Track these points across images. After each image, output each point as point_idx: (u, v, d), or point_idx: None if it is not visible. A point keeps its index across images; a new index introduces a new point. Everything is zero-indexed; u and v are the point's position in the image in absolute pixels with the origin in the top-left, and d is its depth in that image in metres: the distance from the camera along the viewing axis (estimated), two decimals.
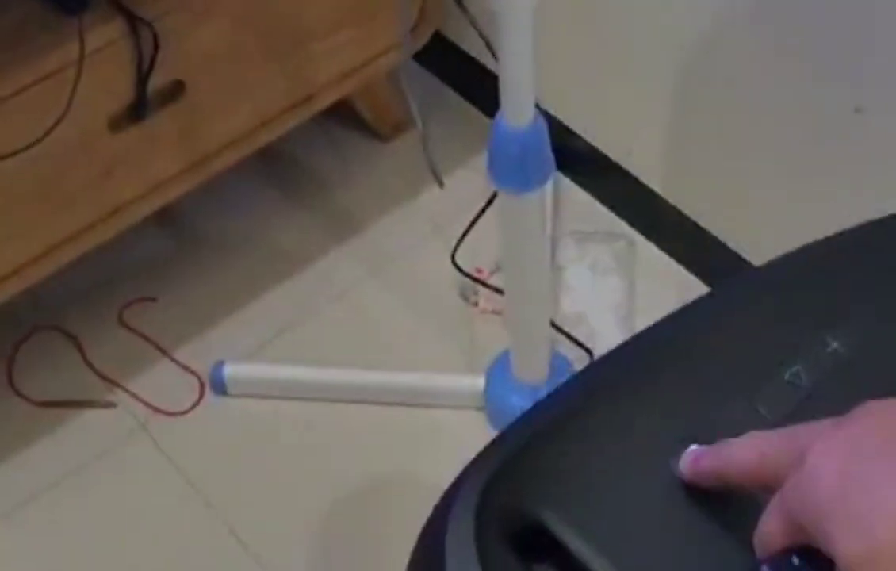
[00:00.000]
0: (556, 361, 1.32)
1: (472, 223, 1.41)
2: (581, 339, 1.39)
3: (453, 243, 1.45)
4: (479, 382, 1.32)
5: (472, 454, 1.34)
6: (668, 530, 0.45)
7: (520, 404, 1.28)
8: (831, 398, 0.49)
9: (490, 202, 1.37)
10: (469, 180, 1.50)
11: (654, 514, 0.45)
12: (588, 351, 1.37)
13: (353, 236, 1.52)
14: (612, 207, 1.55)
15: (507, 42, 0.98)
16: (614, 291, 1.48)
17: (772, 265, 0.57)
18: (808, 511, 0.38)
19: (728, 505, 0.45)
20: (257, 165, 1.53)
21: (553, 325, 1.38)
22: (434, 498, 1.31)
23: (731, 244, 1.41)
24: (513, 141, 1.05)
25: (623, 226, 1.54)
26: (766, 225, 1.37)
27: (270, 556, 1.22)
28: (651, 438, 0.48)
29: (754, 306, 0.54)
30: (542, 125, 1.06)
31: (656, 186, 1.49)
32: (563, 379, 1.27)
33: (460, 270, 1.44)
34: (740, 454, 0.43)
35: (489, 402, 1.32)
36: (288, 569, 1.22)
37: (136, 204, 1.27)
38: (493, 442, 0.53)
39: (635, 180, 1.51)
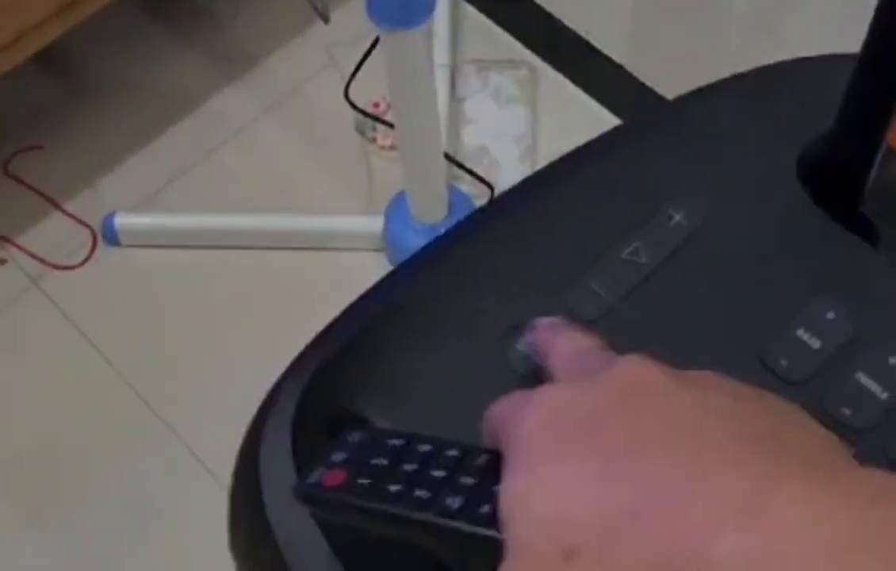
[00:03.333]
0: (456, 197, 1.30)
1: (365, 57, 1.37)
2: (483, 173, 1.37)
3: (348, 75, 1.41)
4: (378, 222, 1.30)
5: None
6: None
7: (418, 244, 1.27)
8: (667, 276, 0.48)
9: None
10: (361, 9, 1.46)
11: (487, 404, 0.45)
12: (489, 185, 1.36)
13: (244, 74, 1.47)
14: (513, 32, 1.51)
15: None
16: (517, 120, 1.45)
17: (626, 128, 0.55)
18: (505, 432, 0.36)
19: None
20: (144, 2, 1.47)
21: (452, 160, 1.36)
22: None
23: (633, 70, 1.39)
24: None
25: (525, 53, 1.50)
26: (666, 53, 1.36)
27: (174, 413, 1.22)
28: (488, 325, 0.47)
29: (602, 176, 0.52)
30: None
31: (556, 11, 1.46)
32: (461, 216, 1.27)
33: (354, 106, 1.40)
34: (562, 344, 0.41)
35: (389, 244, 1.30)
36: (192, 425, 1.21)
37: (7, 51, 1.21)
38: (320, 334, 0.51)
39: (535, 5, 1.48)
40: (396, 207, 1.30)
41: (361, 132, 1.42)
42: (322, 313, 1.40)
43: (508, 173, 1.40)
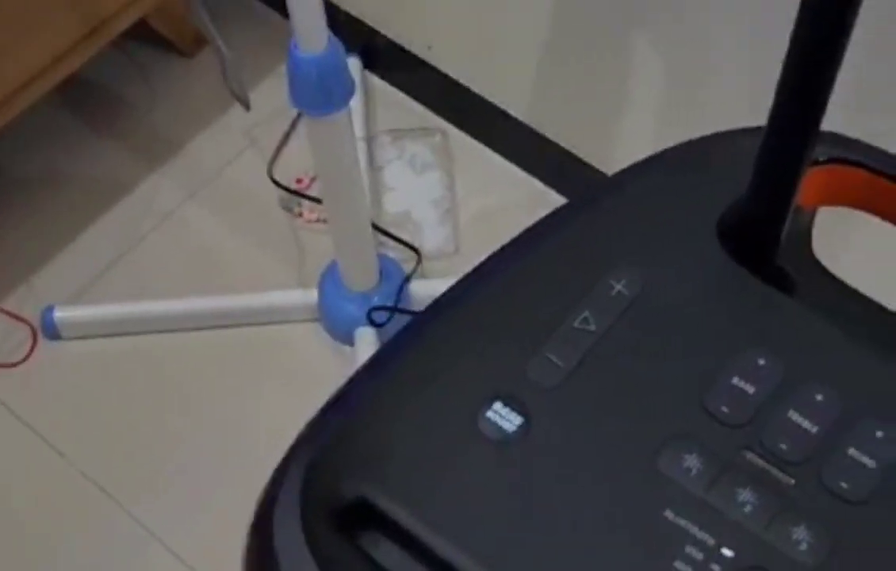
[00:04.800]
0: (385, 264, 1.36)
1: (286, 136, 1.43)
2: (407, 237, 1.44)
3: (270, 154, 1.46)
4: (313, 294, 1.36)
5: (314, 367, 1.38)
6: (481, 486, 0.49)
7: (353, 312, 1.33)
8: (614, 341, 0.55)
9: (300, 114, 1.38)
10: (279, 88, 1.51)
11: (467, 472, 0.50)
12: (415, 250, 1.42)
13: (167, 159, 1.51)
14: (423, 101, 1.58)
15: None
16: (435, 185, 1.52)
17: (561, 211, 0.62)
18: None
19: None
20: (62, 98, 1.50)
21: (377, 228, 1.42)
22: (285, 414, 1.37)
23: (542, 130, 1.47)
24: (310, 66, 1.06)
25: (437, 119, 1.57)
26: (572, 107, 1.43)
27: (130, 497, 1.24)
28: (460, 398, 0.52)
29: (550, 253, 0.58)
30: (338, 47, 1.07)
31: (463, 78, 1.53)
32: (394, 282, 1.33)
33: (278, 184, 1.45)
34: None
35: (324, 313, 1.35)
36: (149, 506, 1.24)
37: None
38: (316, 418, 0.56)
39: (442, 74, 1.54)
40: (329, 278, 1.35)
41: (288, 209, 1.47)
42: (266, 387, 1.44)
43: (431, 236, 1.46)
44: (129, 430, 1.29)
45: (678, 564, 0.46)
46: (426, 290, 1.37)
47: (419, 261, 1.41)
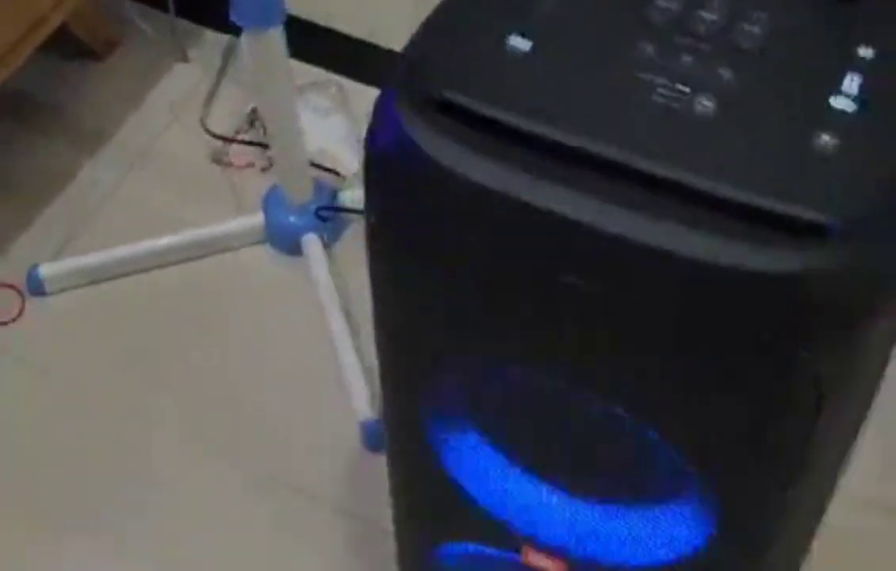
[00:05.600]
0: (316, 182, 1.58)
1: (214, 89, 1.64)
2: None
3: (193, 123, 1.67)
4: (258, 217, 1.56)
5: (271, 281, 1.57)
6: (518, 78, 0.70)
7: (298, 222, 1.54)
8: None
9: (223, 70, 1.60)
10: (194, 66, 1.74)
11: (508, 74, 0.71)
12: (336, 173, 1.64)
13: (102, 145, 1.70)
14: (317, 62, 1.81)
15: None
16: (340, 125, 1.74)
17: None
18: None
19: None
20: None
21: None
22: (255, 326, 1.61)
23: None
24: None
25: (329, 75, 1.80)
26: None
27: (139, 434, 1.41)
28: (490, 36, 0.72)
29: None
30: None
31: (350, 31, 1.76)
32: (327, 192, 1.54)
33: (212, 134, 1.66)
34: None
35: (271, 230, 1.56)
36: (163, 436, 1.42)
37: None
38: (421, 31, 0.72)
39: (332, 31, 1.78)
40: (271, 199, 1.56)
41: (218, 161, 1.68)
42: (233, 306, 1.64)
43: (347, 163, 1.68)
44: (128, 363, 1.47)
45: (654, 97, 0.69)
46: (356, 198, 1.59)
47: (341, 179, 1.63)
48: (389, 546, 1.12)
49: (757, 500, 0.78)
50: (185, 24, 1.81)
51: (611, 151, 0.66)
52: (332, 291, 1.49)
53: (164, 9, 1.79)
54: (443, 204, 0.67)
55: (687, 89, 0.69)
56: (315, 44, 1.78)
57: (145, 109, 1.73)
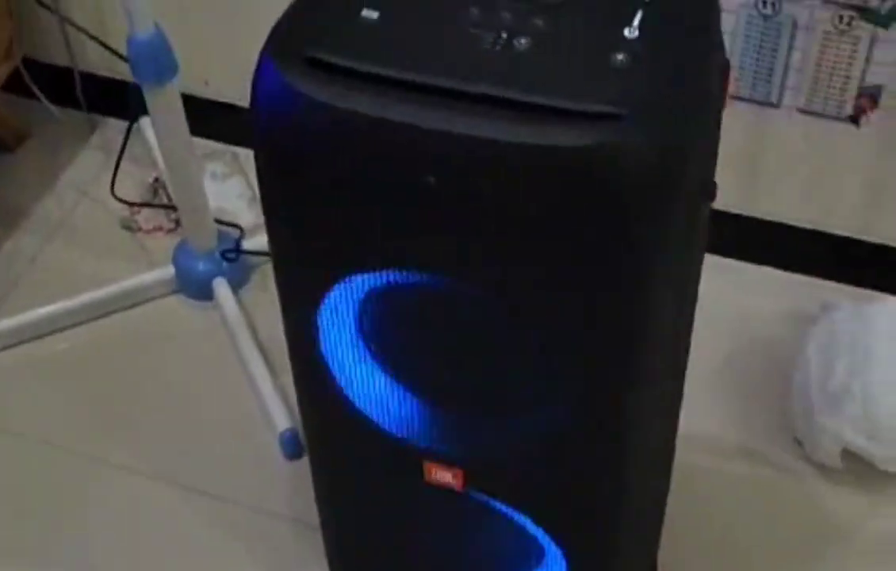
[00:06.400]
0: (220, 231, 1.73)
1: (119, 159, 1.79)
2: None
3: (107, 190, 1.82)
4: (170, 269, 1.71)
5: (182, 328, 1.70)
6: (369, 39, 0.87)
7: (205, 268, 1.69)
8: None
9: (124, 150, 1.77)
10: (94, 153, 1.90)
11: (357, 33, 0.88)
12: (238, 226, 1.79)
13: (19, 223, 1.84)
14: (212, 136, 1.97)
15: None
16: (236, 186, 1.91)
17: None
18: None
19: None
20: None
21: None
22: (178, 369, 1.75)
23: None
24: (146, 44, 1.44)
25: (224, 146, 1.97)
26: None
27: (75, 475, 1.52)
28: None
29: None
30: (161, 30, 1.46)
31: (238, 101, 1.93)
32: (231, 238, 1.69)
33: (120, 199, 1.82)
34: None
35: (181, 277, 1.70)
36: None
37: None
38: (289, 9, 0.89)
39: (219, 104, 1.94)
40: (179, 252, 1.71)
41: (128, 228, 1.82)
42: (153, 352, 1.78)
43: (245, 217, 1.84)
44: (44, 413, 1.59)
45: (482, 44, 0.86)
46: (257, 244, 1.74)
47: (242, 231, 1.78)
48: (317, 540, 1.27)
49: (611, 373, 0.94)
50: (86, 115, 1.98)
51: (448, 82, 0.83)
52: (244, 326, 1.64)
53: (70, 102, 1.95)
54: (319, 133, 0.83)
55: (506, 35, 0.88)
56: (208, 119, 1.94)
57: (59, 188, 1.89)
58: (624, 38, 0.87)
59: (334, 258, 0.91)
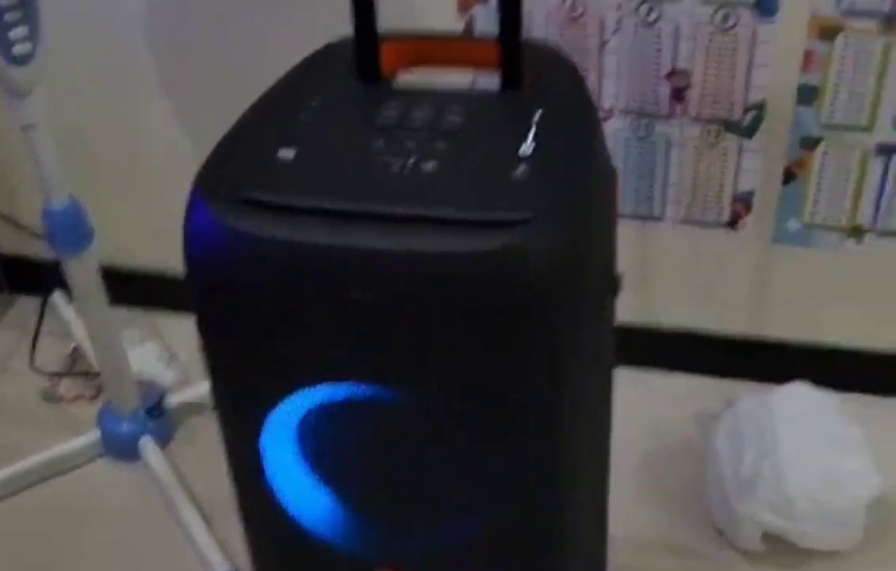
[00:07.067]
0: (142, 392, 1.77)
1: (36, 334, 1.82)
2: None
3: (26, 365, 1.84)
4: (95, 433, 1.73)
5: (111, 490, 1.73)
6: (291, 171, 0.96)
7: (130, 428, 1.72)
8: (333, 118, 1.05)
9: (40, 325, 1.81)
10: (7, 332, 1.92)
11: (282, 169, 0.97)
12: (160, 387, 1.83)
13: None
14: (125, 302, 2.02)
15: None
16: (153, 349, 1.95)
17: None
18: None
19: None
20: None
21: None
22: (104, 535, 1.78)
23: None
24: (63, 215, 1.50)
25: (138, 312, 2.02)
26: None
27: None
28: (265, 146, 0.99)
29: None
30: (77, 201, 1.52)
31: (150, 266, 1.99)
32: (154, 395, 1.73)
33: (40, 371, 1.83)
34: None
35: (107, 440, 1.73)
36: None
37: None
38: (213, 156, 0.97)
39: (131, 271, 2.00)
40: (103, 415, 1.74)
41: (50, 399, 1.84)
42: (83, 519, 1.81)
43: (164, 376, 1.88)
44: None
45: (390, 168, 0.95)
46: (180, 398, 1.78)
47: (165, 389, 1.82)
48: None
49: (536, 471, 1.01)
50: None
51: (365, 205, 0.92)
52: (174, 480, 1.67)
53: None
54: (249, 261, 0.91)
55: (413, 160, 0.96)
56: (120, 286, 1.99)
57: None
58: (520, 155, 0.97)
59: (273, 380, 0.97)
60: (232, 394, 1.01)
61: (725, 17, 1.55)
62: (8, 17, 1.27)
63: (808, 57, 1.55)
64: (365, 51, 1.09)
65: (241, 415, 1.02)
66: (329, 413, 1.00)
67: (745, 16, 1.54)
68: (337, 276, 0.90)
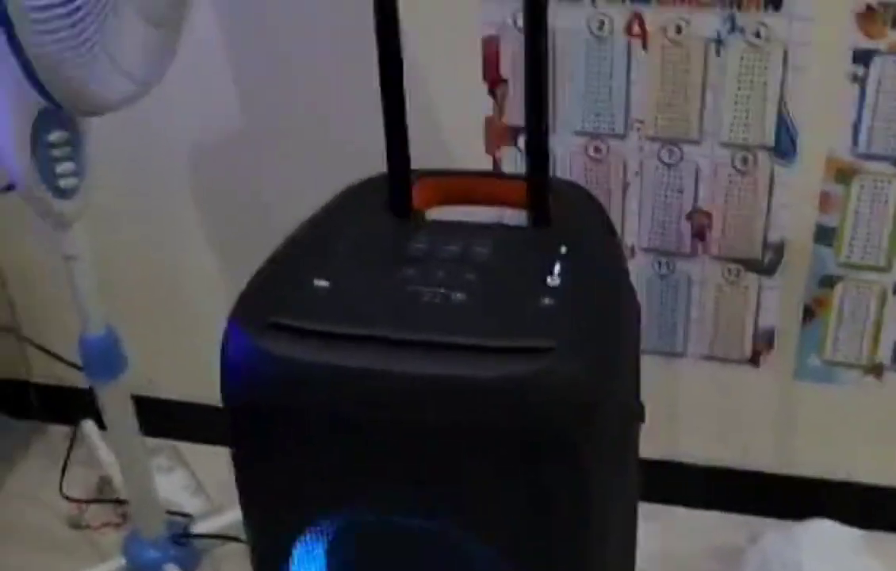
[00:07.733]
0: (169, 519, 1.78)
1: (66, 461, 1.85)
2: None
3: (55, 492, 1.87)
4: (120, 560, 1.74)
5: None
6: (322, 303, 1.00)
7: (155, 555, 1.73)
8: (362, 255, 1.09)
9: (71, 445, 1.84)
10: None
11: (312, 301, 1.00)
12: (184, 514, 1.85)
13: None
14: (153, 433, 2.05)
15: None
16: (180, 478, 1.97)
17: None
18: None
19: None
20: None
21: None
22: None
23: None
24: (98, 343, 1.54)
25: (165, 441, 2.05)
26: None
27: None
28: (300, 288, 1.03)
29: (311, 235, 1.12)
30: (112, 330, 1.56)
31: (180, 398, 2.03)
32: (180, 523, 1.75)
33: (68, 498, 1.85)
34: None
35: (132, 565, 1.73)
36: None
37: None
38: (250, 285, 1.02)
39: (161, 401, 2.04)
40: (129, 542, 1.75)
41: (77, 526, 1.86)
42: None
43: (191, 505, 1.90)
44: None
45: (422, 299, 0.99)
46: (204, 527, 1.80)
47: (191, 517, 1.84)
48: None
49: None
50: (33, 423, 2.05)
51: (395, 332, 0.95)
52: None
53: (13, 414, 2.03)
54: (284, 384, 0.94)
55: (443, 290, 1.00)
56: (150, 416, 2.03)
57: (5, 493, 1.92)
58: (547, 285, 1.01)
59: (305, 503, 0.99)
60: (263, 518, 1.03)
61: (745, 160, 1.60)
62: (57, 152, 1.33)
63: (825, 198, 1.59)
64: (398, 188, 1.14)
65: (271, 538, 1.04)
66: (360, 533, 1.02)
67: (764, 158, 1.59)
68: (369, 398, 0.93)
